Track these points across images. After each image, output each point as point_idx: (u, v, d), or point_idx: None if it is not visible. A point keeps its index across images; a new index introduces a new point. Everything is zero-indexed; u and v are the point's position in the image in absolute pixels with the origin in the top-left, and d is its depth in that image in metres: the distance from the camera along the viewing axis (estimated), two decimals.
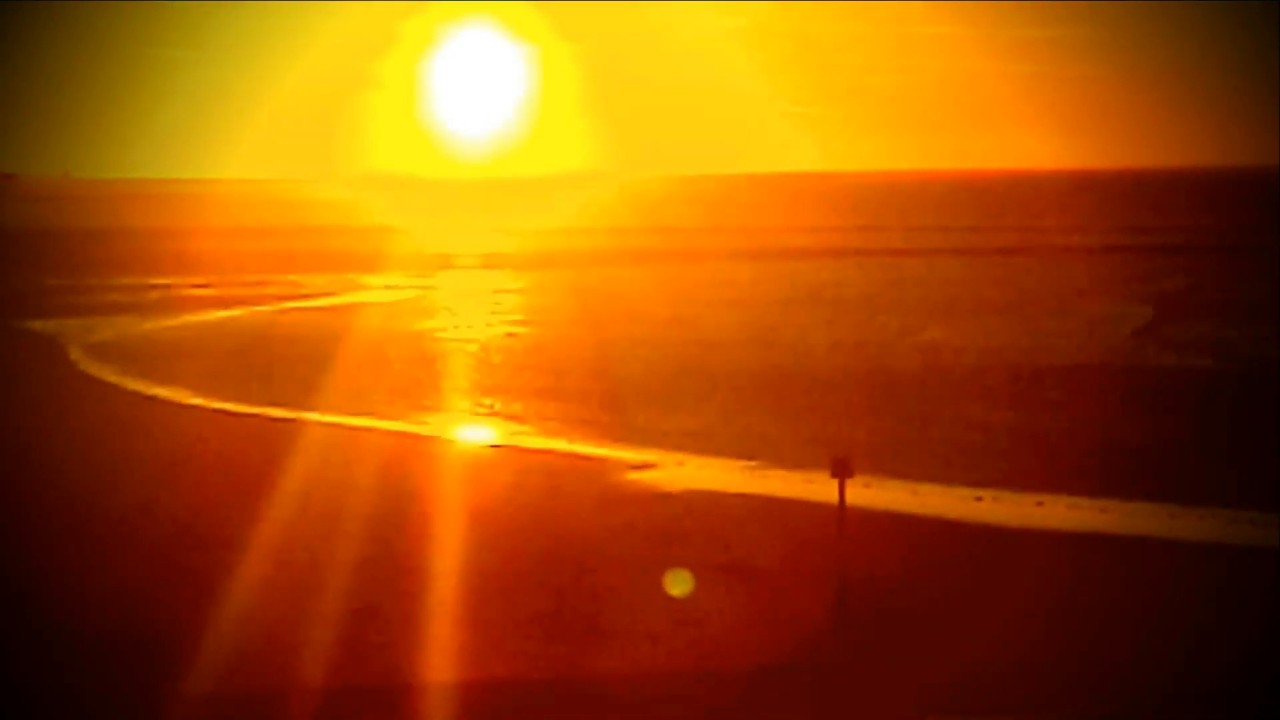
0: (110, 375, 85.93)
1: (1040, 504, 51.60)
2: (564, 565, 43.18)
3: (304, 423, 68.40)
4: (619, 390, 78.08)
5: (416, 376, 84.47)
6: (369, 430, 67.14)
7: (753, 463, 58.60)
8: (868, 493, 50.64)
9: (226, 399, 76.14)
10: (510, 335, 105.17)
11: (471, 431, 68.56)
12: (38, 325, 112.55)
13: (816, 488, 50.72)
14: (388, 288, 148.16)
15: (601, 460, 59.89)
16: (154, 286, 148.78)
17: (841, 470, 42.76)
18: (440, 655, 35.51)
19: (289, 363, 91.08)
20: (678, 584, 41.10)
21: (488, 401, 76.04)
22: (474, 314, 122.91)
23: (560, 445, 63.54)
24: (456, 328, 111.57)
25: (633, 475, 56.71)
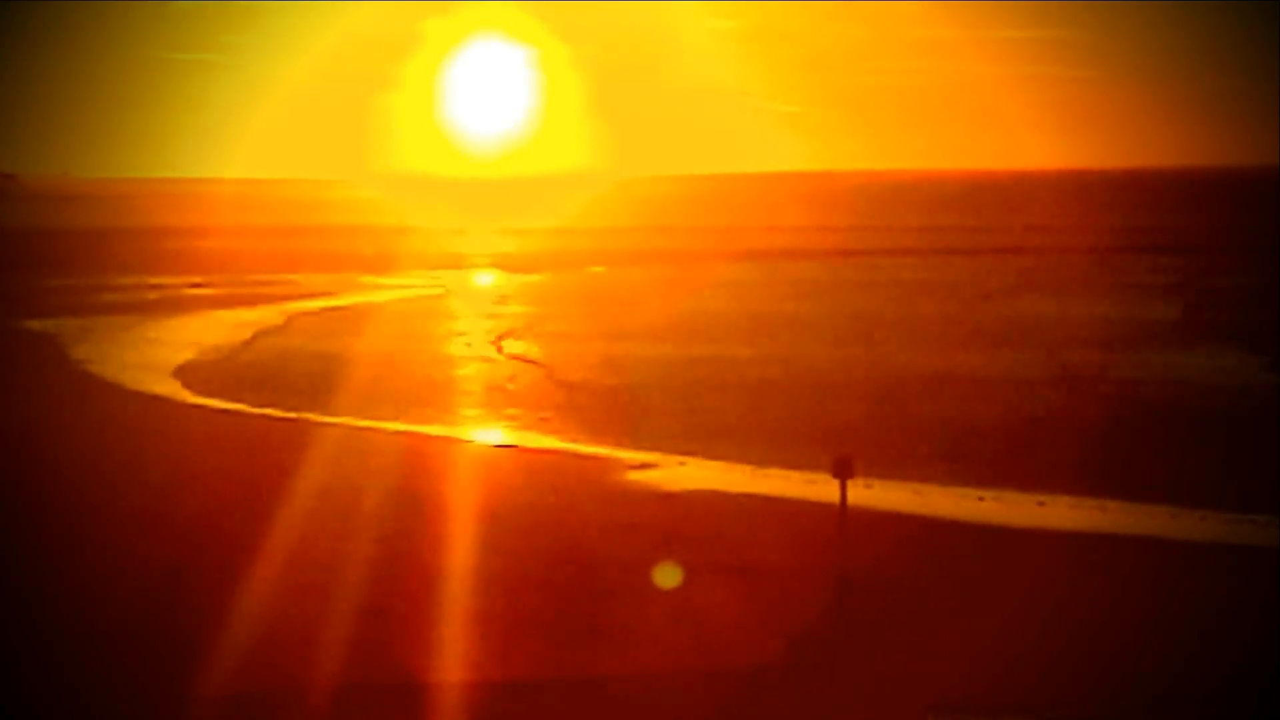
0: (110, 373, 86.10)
1: (1042, 504, 51.68)
2: (565, 565, 43.25)
3: (306, 423, 68.47)
4: (621, 390, 78.15)
5: (419, 376, 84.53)
6: (370, 430, 67.19)
7: (753, 463, 58.64)
8: (869, 493, 50.71)
9: (229, 399, 76.23)
10: (513, 336, 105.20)
11: (472, 431, 68.60)
12: (37, 325, 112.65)
13: (818, 488, 50.81)
14: (394, 288, 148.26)
15: (602, 460, 59.95)
16: (158, 286, 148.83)
17: (843, 470, 42.85)
18: (442, 654, 35.57)
19: (291, 363, 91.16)
20: (667, 577, 41.32)
21: (489, 402, 76.09)
22: (478, 314, 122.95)
23: (561, 445, 63.60)
24: (460, 328, 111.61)
25: (634, 475, 56.77)
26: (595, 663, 34.89)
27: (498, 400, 76.35)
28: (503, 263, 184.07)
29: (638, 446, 62.14)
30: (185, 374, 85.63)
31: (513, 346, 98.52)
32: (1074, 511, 50.73)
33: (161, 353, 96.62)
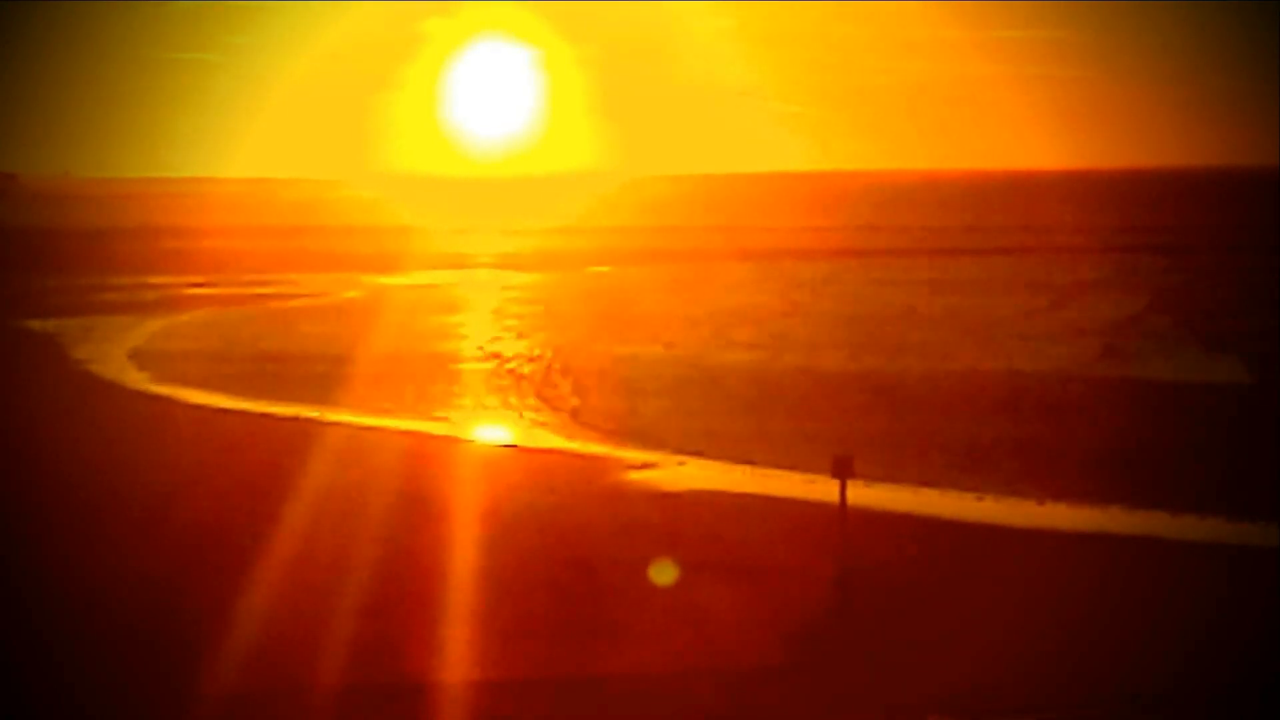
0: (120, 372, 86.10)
1: (1041, 504, 51.67)
2: (566, 564, 43.26)
3: (307, 421, 68.47)
4: (622, 391, 78.13)
5: (421, 376, 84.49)
6: (371, 429, 67.18)
7: (754, 463, 58.65)
8: (868, 493, 50.70)
9: (230, 397, 76.22)
10: (515, 336, 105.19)
11: (473, 431, 68.61)
12: (37, 325, 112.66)
13: (817, 488, 50.82)
14: (397, 287, 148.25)
15: (603, 460, 59.95)
16: (158, 286, 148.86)
17: (842, 471, 42.85)
18: (443, 654, 35.58)
19: (292, 362, 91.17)
20: (667, 576, 41.38)
21: (490, 401, 76.08)
22: (480, 314, 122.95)
23: (562, 444, 63.61)
24: (462, 328, 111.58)
25: (634, 475, 56.79)
26: (596, 663, 34.90)
27: (497, 399, 76.31)
28: (505, 262, 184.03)
29: (638, 446, 62.17)
30: (185, 372, 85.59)
31: (513, 346, 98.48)
32: (1073, 512, 50.72)
33: (164, 352, 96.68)
